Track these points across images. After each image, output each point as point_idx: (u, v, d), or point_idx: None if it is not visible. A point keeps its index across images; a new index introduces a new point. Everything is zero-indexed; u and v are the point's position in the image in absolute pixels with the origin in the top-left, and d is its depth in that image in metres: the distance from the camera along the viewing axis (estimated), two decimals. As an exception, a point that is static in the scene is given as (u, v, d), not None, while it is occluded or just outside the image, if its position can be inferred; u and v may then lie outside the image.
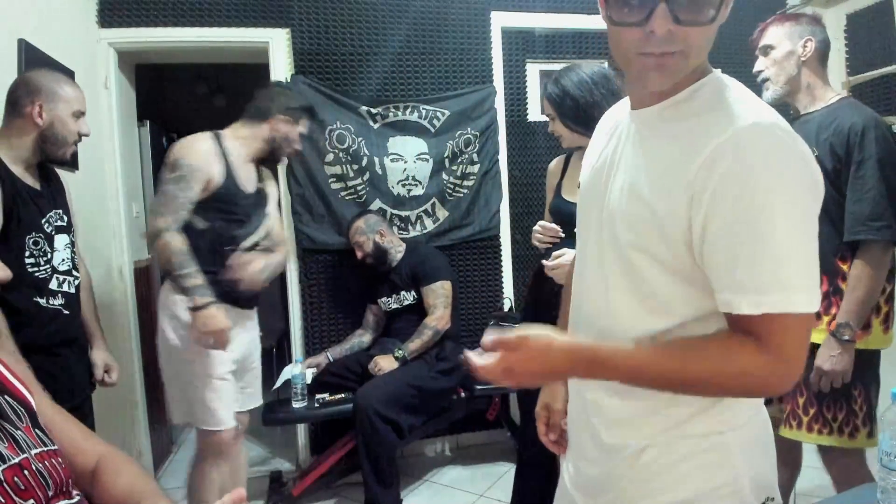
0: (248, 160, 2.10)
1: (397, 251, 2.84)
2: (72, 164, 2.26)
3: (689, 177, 0.76)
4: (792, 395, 1.74)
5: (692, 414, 0.85)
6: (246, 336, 2.14)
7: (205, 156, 1.95)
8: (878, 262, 1.61)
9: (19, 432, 0.87)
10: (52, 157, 1.74)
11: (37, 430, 0.90)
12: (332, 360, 2.83)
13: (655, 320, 0.84)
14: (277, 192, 2.31)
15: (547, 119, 1.95)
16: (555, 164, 2.06)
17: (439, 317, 2.69)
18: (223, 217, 1.99)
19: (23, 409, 0.91)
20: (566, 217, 1.84)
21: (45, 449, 0.89)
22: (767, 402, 1.88)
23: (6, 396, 0.90)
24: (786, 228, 0.73)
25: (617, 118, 0.96)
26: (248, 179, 2.08)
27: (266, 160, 2.17)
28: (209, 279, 1.89)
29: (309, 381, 2.70)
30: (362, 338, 2.92)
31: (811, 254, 0.75)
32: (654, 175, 0.81)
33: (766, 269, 0.74)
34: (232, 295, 2.00)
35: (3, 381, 0.92)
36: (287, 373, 2.73)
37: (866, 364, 1.66)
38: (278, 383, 2.77)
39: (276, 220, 2.24)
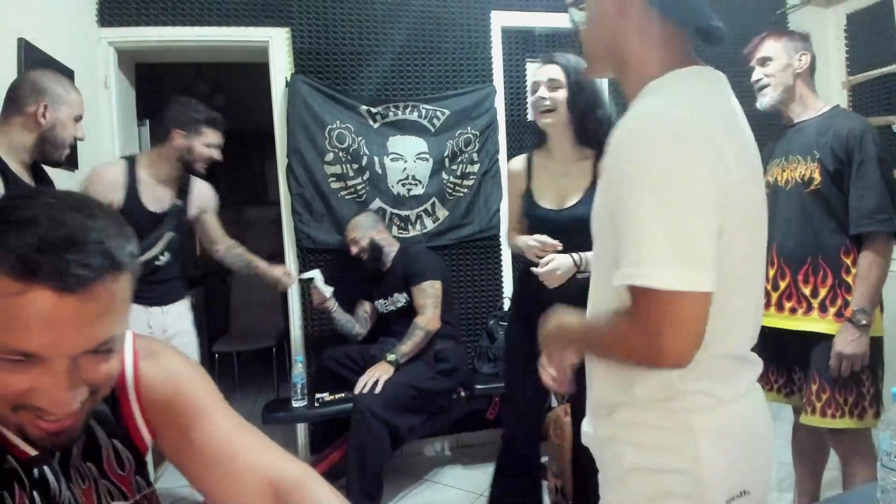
0: (161, 181, 2.26)
1: (391, 251, 2.82)
2: (71, 163, 2.26)
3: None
4: (807, 384, 1.87)
5: (659, 387, 0.88)
6: (147, 331, 2.18)
7: (107, 184, 2.16)
8: (885, 251, 1.77)
9: (104, 481, 0.79)
10: (49, 158, 1.75)
11: (137, 477, 0.83)
12: (332, 305, 2.81)
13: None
14: (214, 201, 2.50)
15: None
16: (516, 164, 1.99)
17: (429, 318, 2.64)
18: None
19: (130, 454, 0.82)
20: (547, 224, 1.82)
21: (131, 501, 0.81)
22: (790, 393, 1.97)
23: (115, 441, 0.81)
24: (646, 210, 0.77)
25: None
26: (157, 199, 2.25)
27: (185, 176, 2.31)
28: None
29: (320, 284, 2.72)
30: (355, 326, 2.89)
31: (679, 233, 0.77)
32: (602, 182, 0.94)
33: (630, 246, 0.79)
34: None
35: (126, 420, 0.82)
36: (314, 274, 2.75)
37: (872, 349, 1.78)
38: (304, 276, 2.79)
39: (212, 225, 2.49)
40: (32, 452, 0.72)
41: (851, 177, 1.77)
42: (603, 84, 1.89)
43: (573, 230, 1.72)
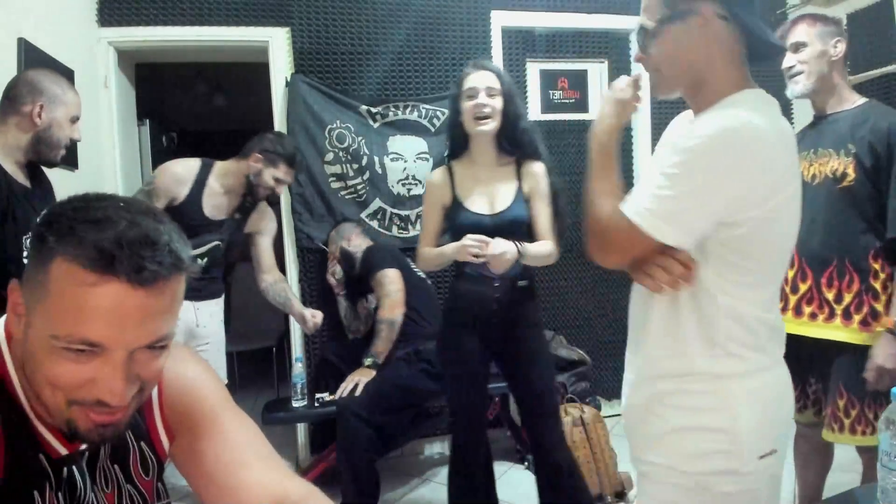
0: (227, 191, 2.32)
1: (361, 255, 2.78)
2: (71, 163, 2.26)
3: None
4: (832, 398, 1.72)
5: (698, 355, 0.99)
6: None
7: (173, 177, 2.24)
8: None
9: (128, 485, 0.81)
10: (44, 158, 1.74)
11: (158, 484, 0.84)
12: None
13: None
14: (272, 228, 2.55)
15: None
16: (436, 176, 1.97)
17: (388, 306, 2.54)
18: None
19: (154, 459, 0.84)
20: (483, 229, 1.80)
21: None
22: (803, 408, 1.85)
23: (143, 443, 0.83)
24: (681, 178, 0.93)
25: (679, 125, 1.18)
26: (217, 207, 2.30)
27: (248, 196, 2.35)
28: None
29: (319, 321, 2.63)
30: (353, 321, 2.89)
31: (681, 201, 0.93)
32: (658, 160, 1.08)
33: (644, 189, 0.97)
34: None
35: (148, 423, 0.83)
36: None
37: None
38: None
39: (265, 251, 2.52)
40: (63, 451, 0.73)
41: (892, 175, 1.62)
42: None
43: (509, 232, 1.81)
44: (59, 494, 0.72)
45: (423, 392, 2.57)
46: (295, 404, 2.64)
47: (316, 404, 2.65)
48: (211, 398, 0.86)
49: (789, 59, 1.79)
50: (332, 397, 2.64)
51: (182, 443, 0.84)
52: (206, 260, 2.32)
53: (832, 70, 1.76)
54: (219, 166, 2.34)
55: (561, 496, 1.96)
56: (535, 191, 1.92)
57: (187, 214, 2.20)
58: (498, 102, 1.85)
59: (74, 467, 0.74)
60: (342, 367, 2.74)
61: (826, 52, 1.74)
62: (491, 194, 1.91)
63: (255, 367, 4.34)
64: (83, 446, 0.75)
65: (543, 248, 1.87)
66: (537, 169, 1.94)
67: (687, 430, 1.00)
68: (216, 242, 2.33)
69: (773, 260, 1.01)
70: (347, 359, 2.75)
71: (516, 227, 1.87)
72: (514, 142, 1.90)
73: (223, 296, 2.54)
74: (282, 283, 2.58)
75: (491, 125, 1.85)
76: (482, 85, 1.85)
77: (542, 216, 1.92)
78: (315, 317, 2.53)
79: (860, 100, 1.77)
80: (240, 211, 2.38)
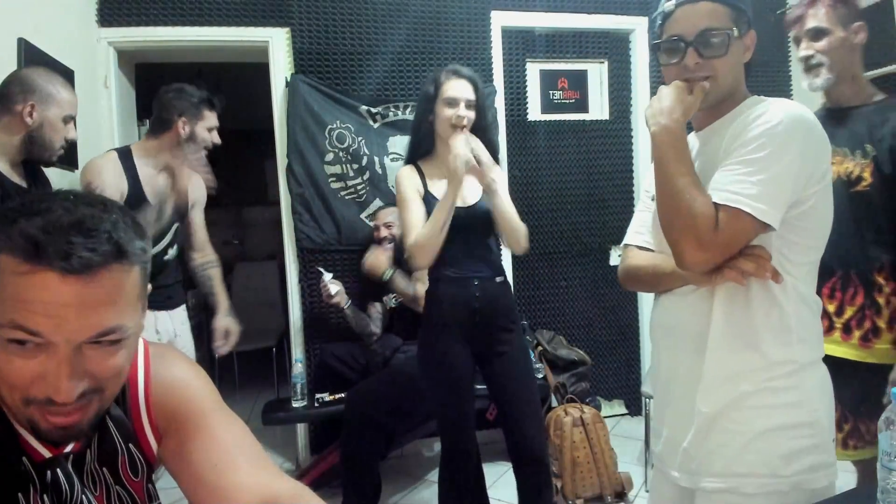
0: (160, 172, 2.15)
1: None
2: (70, 162, 2.26)
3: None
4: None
5: (774, 344, 1.01)
6: (154, 337, 2.13)
7: (109, 174, 2.04)
8: None
9: (117, 487, 0.80)
10: (37, 158, 1.72)
11: (149, 485, 0.84)
12: (342, 300, 2.74)
13: None
14: (203, 198, 2.35)
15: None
16: (410, 172, 1.95)
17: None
18: None
19: (143, 461, 0.83)
20: (457, 221, 1.82)
21: None
22: None
23: (131, 445, 0.82)
24: (766, 162, 0.97)
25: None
26: (157, 192, 2.13)
27: (182, 163, 2.19)
28: None
29: (333, 291, 2.65)
30: (370, 325, 2.87)
31: (771, 183, 0.96)
32: (712, 159, 1.07)
33: (735, 177, 0.99)
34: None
35: (136, 425, 0.82)
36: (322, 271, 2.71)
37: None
38: (326, 279, 2.70)
39: (199, 226, 2.33)
40: (47, 455, 0.72)
41: None
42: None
43: (481, 223, 1.91)
44: (45, 496, 0.71)
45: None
46: (295, 404, 2.65)
47: (316, 404, 2.65)
48: (199, 399, 0.84)
49: (806, 48, 1.61)
50: (332, 397, 2.65)
51: (170, 444, 0.83)
52: (175, 249, 2.20)
53: (853, 60, 1.60)
54: (139, 150, 2.14)
55: (539, 498, 1.97)
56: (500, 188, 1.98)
57: (136, 208, 2.02)
58: (473, 114, 1.91)
59: (59, 470, 0.73)
60: (344, 370, 2.74)
61: (847, 38, 1.58)
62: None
63: (255, 367, 4.33)
64: (68, 448, 0.74)
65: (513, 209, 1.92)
66: (496, 170, 1.98)
67: (774, 430, 1.00)
68: (176, 225, 2.21)
69: (824, 236, 1.06)
70: (350, 362, 2.75)
71: (486, 219, 1.92)
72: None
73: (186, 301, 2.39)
74: (211, 268, 2.38)
75: (465, 134, 1.90)
76: (462, 96, 1.89)
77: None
78: (229, 335, 2.31)
79: (878, 94, 1.62)
80: (172, 187, 2.20)
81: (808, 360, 1.03)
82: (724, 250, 0.98)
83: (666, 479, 1.15)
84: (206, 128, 2.15)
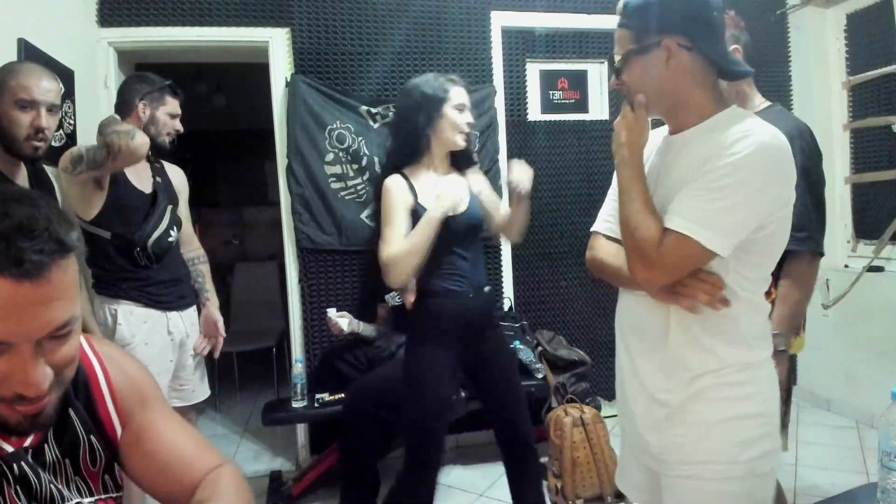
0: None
1: None
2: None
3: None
4: None
5: (728, 350, 1.07)
6: (167, 338, 2.11)
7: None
8: (803, 272, 1.59)
9: (76, 477, 0.83)
10: (13, 152, 1.65)
11: (105, 476, 0.86)
12: (354, 326, 2.72)
13: None
14: (186, 188, 2.34)
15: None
16: (398, 181, 1.88)
17: None
18: (123, 222, 2.00)
19: (102, 450, 0.86)
20: (448, 229, 1.82)
21: (97, 498, 0.85)
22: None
23: (93, 437, 0.85)
24: (728, 192, 0.99)
25: (654, 141, 1.20)
26: (141, 179, 2.10)
27: (155, 152, 2.14)
28: (131, 283, 2.01)
29: (345, 328, 2.63)
30: (374, 332, 2.87)
31: (731, 211, 0.99)
32: (683, 175, 1.09)
33: (690, 203, 1.03)
34: (153, 297, 2.07)
35: (101, 414, 0.86)
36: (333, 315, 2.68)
37: (788, 369, 1.65)
38: (342, 326, 2.66)
39: (184, 218, 2.28)
40: (10, 449, 0.75)
41: None
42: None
43: (472, 230, 1.92)
44: (18, 488, 0.74)
45: None
46: (295, 404, 2.64)
47: (316, 404, 2.65)
48: (149, 389, 0.92)
49: None
50: (332, 397, 2.65)
51: (132, 425, 0.88)
52: (175, 231, 2.14)
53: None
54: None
55: (530, 482, 1.99)
56: (486, 190, 2.03)
57: (127, 198, 2.03)
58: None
59: (24, 463, 0.76)
60: (349, 370, 2.74)
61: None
62: None
63: (255, 367, 4.33)
64: (27, 443, 0.77)
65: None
66: (479, 174, 2.05)
67: (731, 420, 1.06)
68: (171, 206, 2.16)
69: (780, 252, 1.11)
70: (354, 361, 2.75)
71: (475, 226, 1.94)
72: (465, 152, 1.98)
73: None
74: (201, 263, 2.36)
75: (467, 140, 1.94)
76: (468, 102, 1.92)
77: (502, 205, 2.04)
78: (214, 333, 2.30)
79: (762, 104, 1.71)
80: (156, 173, 2.18)
81: (759, 359, 1.09)
82: (672, 271, 1.03)
83: (637, 462, 1.22)
84: (168, 113, 2.14)
